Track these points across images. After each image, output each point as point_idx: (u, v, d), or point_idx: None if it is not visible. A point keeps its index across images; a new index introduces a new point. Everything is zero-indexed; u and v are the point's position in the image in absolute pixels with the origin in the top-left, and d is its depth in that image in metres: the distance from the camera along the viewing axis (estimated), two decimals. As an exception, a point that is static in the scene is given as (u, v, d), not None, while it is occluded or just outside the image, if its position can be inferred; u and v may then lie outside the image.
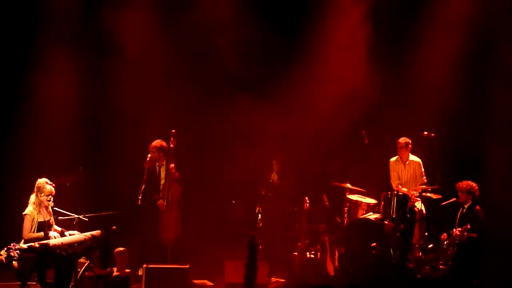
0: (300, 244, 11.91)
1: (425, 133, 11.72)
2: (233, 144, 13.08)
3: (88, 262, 9.93)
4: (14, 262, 9.26)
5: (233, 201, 12.52)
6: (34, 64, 12.63)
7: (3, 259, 9.10)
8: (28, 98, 12.63)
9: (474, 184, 10.90)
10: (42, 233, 9.74)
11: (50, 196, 9.90)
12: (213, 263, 11.79)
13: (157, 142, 11.61)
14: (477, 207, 10.84)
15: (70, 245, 9.52)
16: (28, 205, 9.86)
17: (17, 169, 12.36)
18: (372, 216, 11.67)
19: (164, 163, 11.67)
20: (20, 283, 9.37)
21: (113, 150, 12.89)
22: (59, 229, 10.01)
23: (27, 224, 9.74)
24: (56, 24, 12.73)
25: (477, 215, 10.77)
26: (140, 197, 11.09)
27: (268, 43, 13.36)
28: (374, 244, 11.27)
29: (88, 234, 9.74)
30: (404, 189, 11.74)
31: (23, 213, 9.80)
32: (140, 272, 11.02)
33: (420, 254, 11.27)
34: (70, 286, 9.54)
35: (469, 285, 10.63)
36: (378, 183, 12.08)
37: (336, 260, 11.59)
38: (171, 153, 11.56)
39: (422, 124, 12.16)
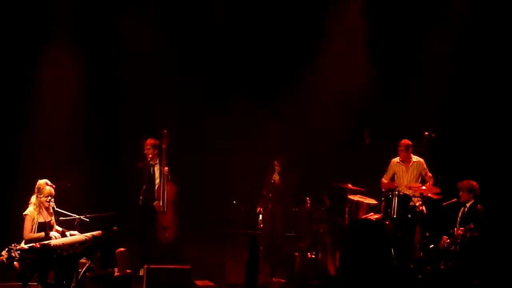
0: (301, 244, 11.89)
1: (426, 133, 11.71)
2: (235, 145, 13.08)
3: (89, 262, 9.90)
4: (15, 262, 9.20)
5: (234, 202, 12.49)
6: (34, 64, 12.63)
7: (4, 259, 9.07)
8: (28, 98, 12.63)
9: (475, 183, 10.89)
10: (43, 234, 9.71)
11: (50, 197, 9.87)
12: (214, 264, 11.76)
13: (151, 139, 11.63)
14: (479, 206, 10.82)
15: (71, 245, 9.49)
16: (29, 205, 9.84)
17: (17, 170, 12.35)
18: (373, 216, 11.66)
19: (157, 162, 11.66)
20: (21, 283, 9.33)
21: (113, 150, 12.88)
22: (60, 229, 9.98)
23: (27, 225, 9.71)
24: (55, 24, 12.75)
25: (479, 214, 10.75)
26: (141, 198, 11.10)
27: (268, 43, 13.39)
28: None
29: (89, 234, 9.72)
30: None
31: (23, 213, 9.78)
32: (141, 273, 10.99)
33: (421, 254, 11.26)
34: (71, 287, 9.53)
35: (470, 285, 10.61)
36: (379, 184, 12.05)
37: (337, 260, 11.59)
38: (164, 154, 11.56)
39: (423, 123, 12.15)
